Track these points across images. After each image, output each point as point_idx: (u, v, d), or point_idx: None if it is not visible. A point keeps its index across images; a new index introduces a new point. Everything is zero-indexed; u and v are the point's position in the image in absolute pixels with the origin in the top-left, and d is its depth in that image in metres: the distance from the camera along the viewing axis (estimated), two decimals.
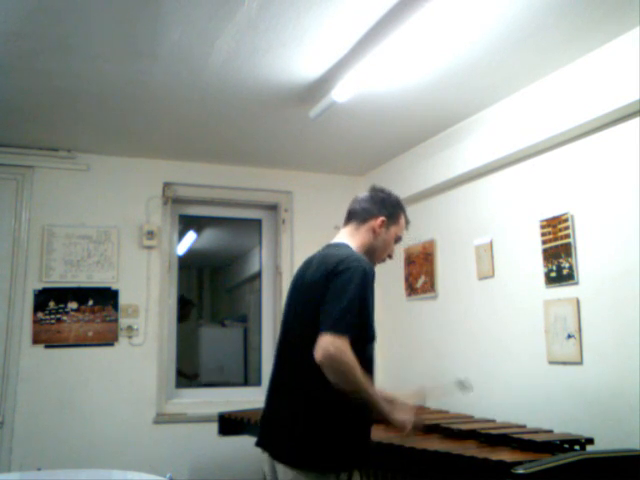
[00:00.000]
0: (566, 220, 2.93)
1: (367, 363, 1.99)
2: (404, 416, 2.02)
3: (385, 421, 2.02)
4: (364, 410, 1.98)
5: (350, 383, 1.84)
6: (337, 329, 1.83)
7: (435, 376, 3.85)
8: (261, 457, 2.08)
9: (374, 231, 2.19)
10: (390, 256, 2.28)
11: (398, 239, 2.28)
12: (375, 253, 2.20)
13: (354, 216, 2.23)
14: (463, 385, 2.41)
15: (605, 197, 2.76)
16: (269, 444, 2.03)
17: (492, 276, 3.43)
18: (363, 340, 1.96)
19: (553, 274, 2.99)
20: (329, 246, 2.18)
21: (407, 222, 2.33)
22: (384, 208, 2.23)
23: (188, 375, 5.05)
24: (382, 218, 2.20)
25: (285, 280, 4.44)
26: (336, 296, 1.90)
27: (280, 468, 1.96)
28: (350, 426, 1.97)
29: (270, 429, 2.06)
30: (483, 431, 2.57)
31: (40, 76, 2.97)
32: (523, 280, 3.19)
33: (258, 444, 2.08)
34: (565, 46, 2.70)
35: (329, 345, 1.81)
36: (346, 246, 2.13)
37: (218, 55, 2.77)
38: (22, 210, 3.95)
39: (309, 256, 2.22)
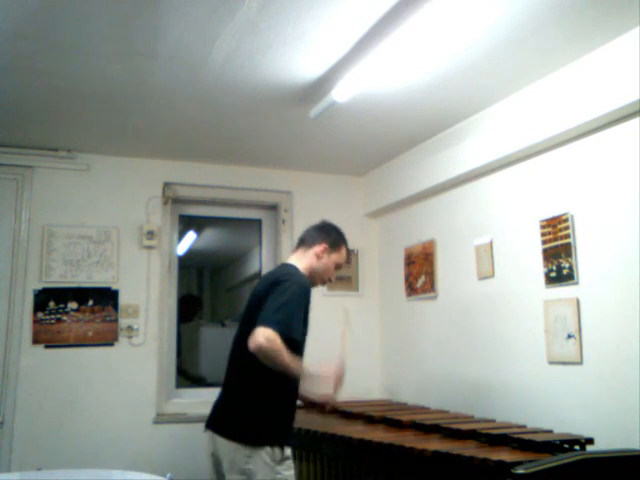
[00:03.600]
0: (566, 220, 2.93)
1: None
2: (320, 394, 2.41)
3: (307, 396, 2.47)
4: (289, 398, 2.43)
5: (278, 365, 2.20)
6: (268, 323, 2.19)
7: (435, 376, 3.85)
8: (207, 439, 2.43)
9: (317, 255, 2.58)
10: (330, 279, 2.66)
11: (338, 266, 2.65)
12: (317, 275, 2.58)
13: (303, 242, 2.64)
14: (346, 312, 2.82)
15: (605, 197, 2.76)
16: (214, 423, 2.42)
17: (492, 276, 3.43)
18: (291, 336, 2.26)
19: (553, 274, 2.99)
20: (281, 265, 2.65)
21: (348, 254, 2.71)
22: (328, 237, 2.62)
23: (193, 378, 5.04)
24: (324, 245, 2.59)
25: None
26: (273, 300, 2.28)
27: (220, 442, 2.34)
28: (277, 411, 2.37)
29: (216, 412, 2.45)
30: (483, 431, 2.57)
31: (40, 76, 2.97)
32: (523, 280, 3.19)
33: (205, 425, 2.45)
34: (565, 46, 2.70)
35: (259, 336, 2.16)
36: (292, 266, 2.53)
37: (218, 55, 2.77)
38: (22, 210, 3.95)
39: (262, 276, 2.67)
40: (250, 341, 2.18)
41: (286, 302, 2.27)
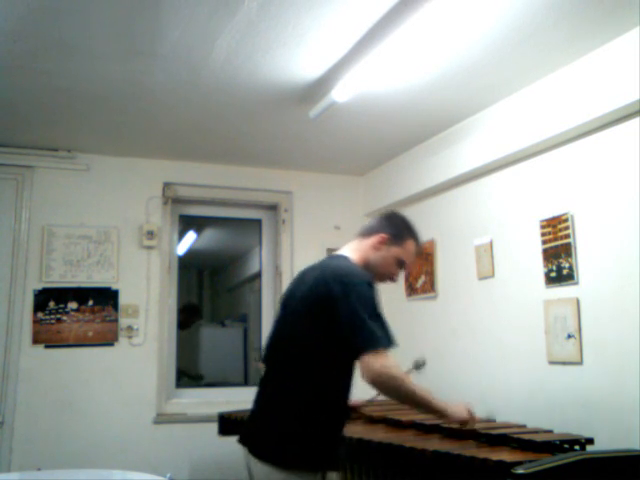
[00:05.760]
0: (566, 220, 2.93)
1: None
2: (459, 410, 2.07)
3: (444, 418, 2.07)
4: (338, 417, 2.04)
5: (403, 396, 1.90)
6: (372, 346, 1.86)
7: (434, 376, 3.85)
8: (243, 453, 2.14)
9: (373, 247, 2.19)
10: (392, 278, 2.25)
11: (401, 263, 2.23)
12: (373, 270, 2.17)
13: (362, 231, 2.27)
14: (418, 363, 2.47)
15: (605, 197, 2.76)
16: (248, 439, 2.09)
17: (492, 276, 3.43)
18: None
19: (553, 274, 2.99)
20: (330, 257, 2.24)
21: (418, 251, 2.28)
22: (390, 227, 2.22)
23: (192, 376, 5.06)
24: (383, 235, 2.19)
25: (285, 280, 4.44)
26: (355, 314, 1.91)
27: (254, 462, 2.00)
28: (323, 429, 2.00)
29: (252, 426, 2.12)
30: (483, 431, 2.57)
31: (40, 76, 2.97)
32: (523, 280, 3.19)
33: (239, 440, 2.14)
34: (565, 46, 2.70)
35: (372, 365, 1.84)
36: (344, 258, 2.15)
37: (218, 55, 2.77)
38: (22, 210, 3.95)
39: (305, 267, 2.25)
40: (363, 375, 1.85)
41: (370, 311, 1.93)
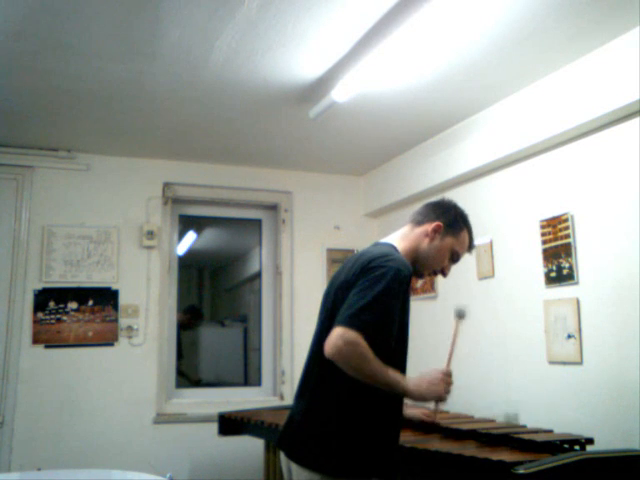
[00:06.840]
0: (566, 220, 2.93)
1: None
2: (433, 380, 1.88)
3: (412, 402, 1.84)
4: (389, 416, 1.86)
5: (365, 374, 1.74)
6: (350, 323, 1.71)
7: None
8: (281, 458, 2.02)
9: (427, 235, 2.03)
10: (442, 271, 2.09)
11: (455, 255, 2.07)
12: (424, 261, 2.03)
13: (412, 218, 2.10)
14: (460, 313, 2.21)
15: (605, 197, 2.76)
16: (286, 443, 1.95)
17: (492, 276, 3.43)
18: (384, 344, 1.80)
19: (553, 274, 2.99)
20: (375, 244, 2.08)
21: (471, 245, 2.12)
22: (444, 216, 2.06)
23: (191, 379, 5.06)
24: (438, 223, 2.03)
25: (285, 280, 4.45)
26: (361, 292, 1.77)
27: (294, 468, 1.88)
28: (369, 433, 1.84)
29: (289, 429, 1.97)
30: (483, 431, 2.57)
31: (40, 76, 2.97)
32: (523, 280, 3.19)
33: (277, 443, 2.01)
34: (565, 46, 2.70)
35: (338, 339, 1.70)
36: (389, 245, 2.00)
37: (218, 55, 2.77)
38: (22, 210, 3.95)
39: (350, 256, 2.10)
40: (325, 346, 1.73)
41: (377, 296, 1.74)
